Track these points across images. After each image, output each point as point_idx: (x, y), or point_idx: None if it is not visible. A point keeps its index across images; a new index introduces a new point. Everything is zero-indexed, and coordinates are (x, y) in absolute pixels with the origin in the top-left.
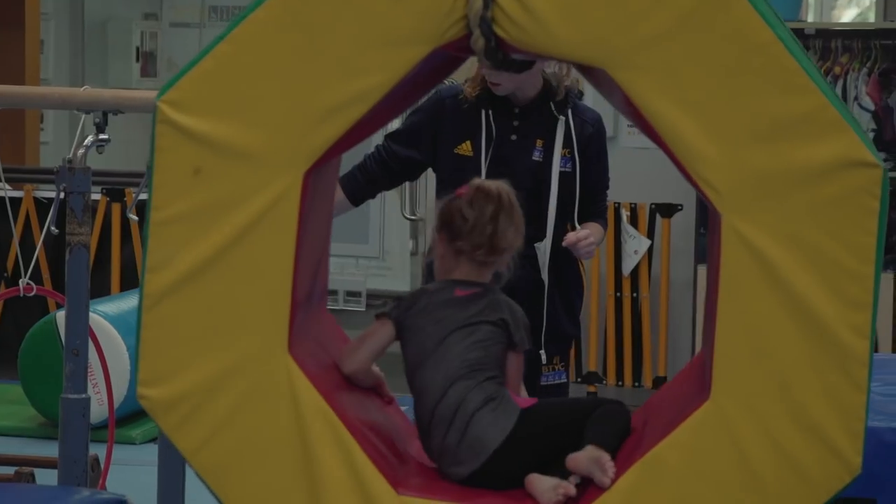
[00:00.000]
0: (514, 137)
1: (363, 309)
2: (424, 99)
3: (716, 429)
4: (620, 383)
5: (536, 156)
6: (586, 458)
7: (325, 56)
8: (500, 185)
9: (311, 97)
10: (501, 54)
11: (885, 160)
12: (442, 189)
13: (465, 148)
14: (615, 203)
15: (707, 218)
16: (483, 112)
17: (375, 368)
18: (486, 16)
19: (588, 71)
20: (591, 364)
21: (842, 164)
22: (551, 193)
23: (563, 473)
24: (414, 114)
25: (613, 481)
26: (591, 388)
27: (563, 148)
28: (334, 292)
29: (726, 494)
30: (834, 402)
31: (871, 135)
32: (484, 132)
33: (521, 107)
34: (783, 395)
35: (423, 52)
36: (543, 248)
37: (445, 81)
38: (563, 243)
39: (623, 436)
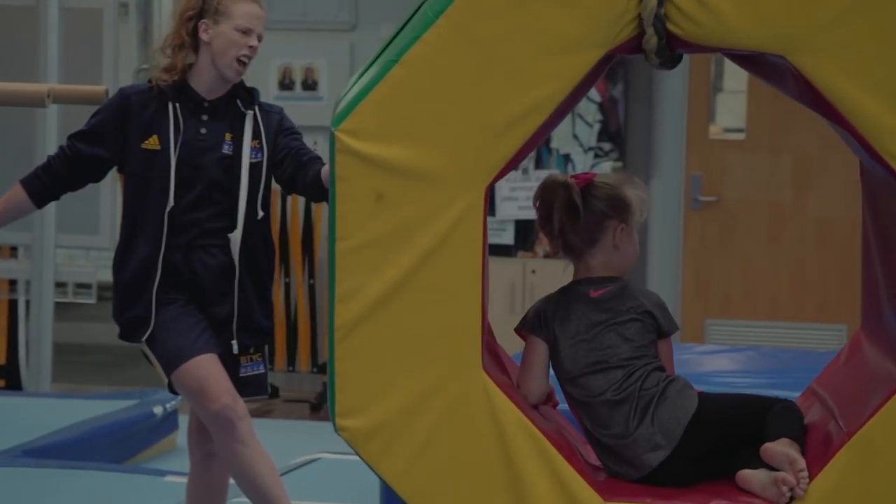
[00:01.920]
0: (203, 131)
1: (94, 301)
2: (108, 99)
3: None
4: (291, 368)
5: (226, 149)
6: (781, 451)
7: (500, 70)
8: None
9: (489, 112)
10: (669, 51)
11: (610, 151)
12: (132, 184)
13: (153, 142)
14: None
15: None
16: (171, 105)
17: None
18: (660, 13)
19: (748, 59)
20: (326, 354)
21: None
22: (241, 186)
23: (749, 465)
24: (98, 114)
25: (812, 475)
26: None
27: (253, 140)
28: (63, 284)
29: None
30: None
31: (598, 126)
32: (172, 126)
33: (210, 101)
34: None
35: (596, 56)
36: (235, 238)
37: None
38: None
39: (805, 433)
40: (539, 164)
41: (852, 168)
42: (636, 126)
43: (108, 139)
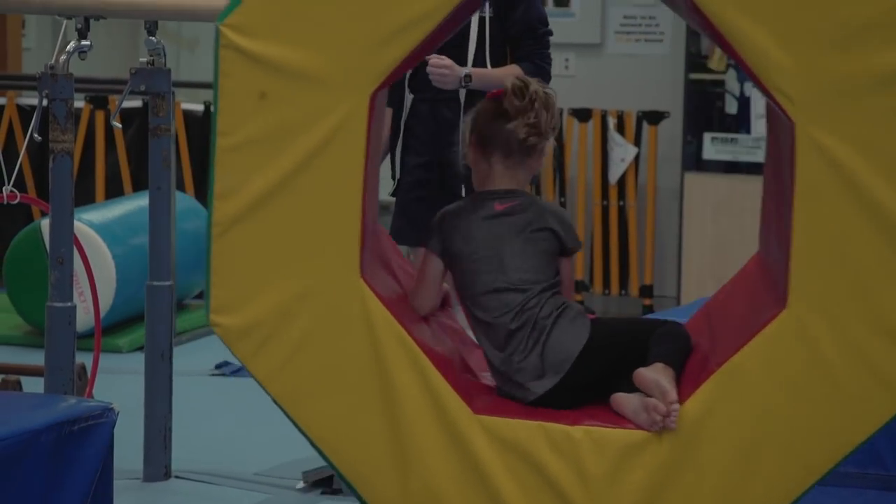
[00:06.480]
0: None
1: None
2: None
3: (794, 337)
4: (607, 291)
5: None
6: (653, 378)
7: None
8: (532, 81)
9: (376, 17)
10: None
11: None
12: None
13: None
14: (602, 111)
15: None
16: None
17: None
18: None
19: None
20: (579, 272)
21: None
22: (470, 38)
23: (629, 389)
24: None
25: (684, 398)
26: (578, 297)
27: None
28: None
29: (806, 401)
30: None
31: None
32: None
33: None
34: (862, 301)
35: None
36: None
37: None
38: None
39: (686, 355)
40: None
41: None
42: None
43: None
